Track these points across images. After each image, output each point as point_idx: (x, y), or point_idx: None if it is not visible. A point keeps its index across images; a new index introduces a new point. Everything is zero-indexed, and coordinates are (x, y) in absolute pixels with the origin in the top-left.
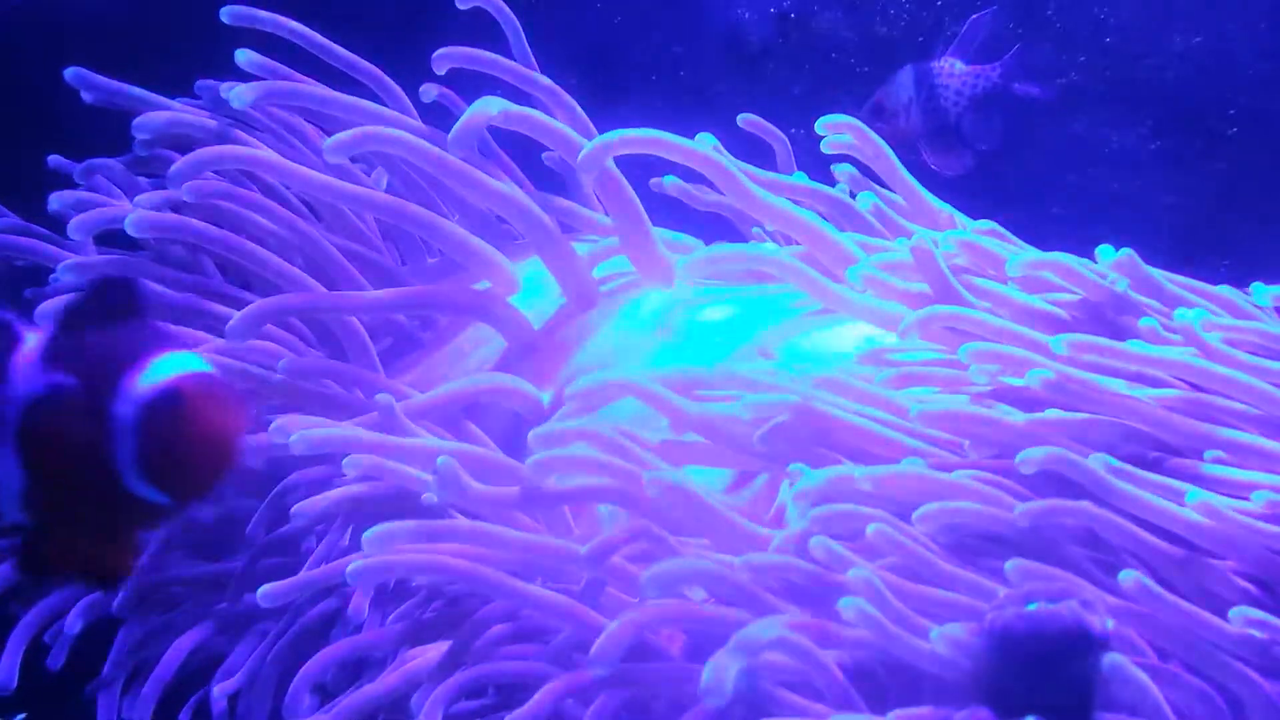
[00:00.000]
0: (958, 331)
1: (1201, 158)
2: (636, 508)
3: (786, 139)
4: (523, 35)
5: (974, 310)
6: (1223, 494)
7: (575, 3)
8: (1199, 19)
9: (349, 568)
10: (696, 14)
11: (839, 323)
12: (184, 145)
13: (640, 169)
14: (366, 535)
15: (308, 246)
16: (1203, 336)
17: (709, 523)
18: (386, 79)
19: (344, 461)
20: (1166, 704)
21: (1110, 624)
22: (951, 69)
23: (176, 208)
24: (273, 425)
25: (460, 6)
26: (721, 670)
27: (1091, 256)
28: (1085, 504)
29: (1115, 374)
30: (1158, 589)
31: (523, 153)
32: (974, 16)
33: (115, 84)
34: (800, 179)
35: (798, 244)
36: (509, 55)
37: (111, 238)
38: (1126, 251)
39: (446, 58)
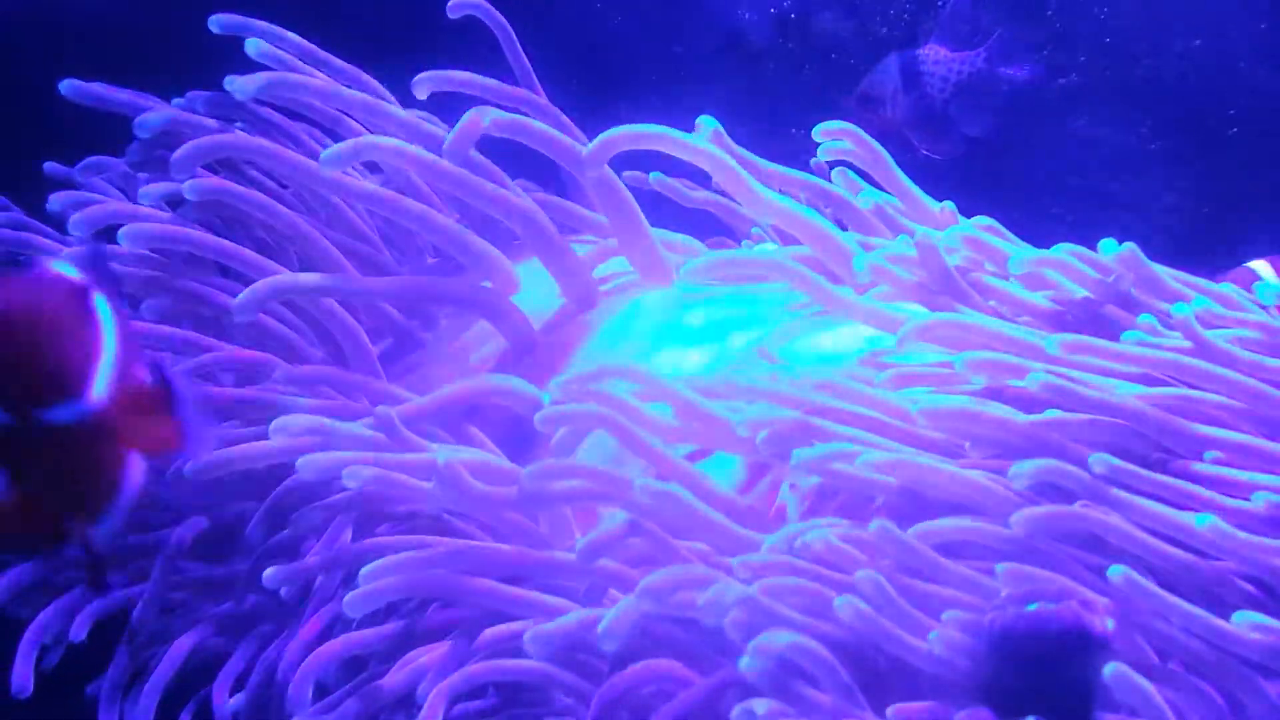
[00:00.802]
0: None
1: (1201, 158)
2: (633, 511)
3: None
4: (516, 42)
5: (972, 314)
6: (1222, 494)
7: (575, 3)
8: (1199, 19)
9: (345, 600)
10: (696, 14)
11: (840, 324)
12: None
13: (640, 169)
14: (363, 571)
15: (306, 244)
16: (1201, 333)
17: (704, 527)
18: (382, 89)
19: (344, 473)
20: (1166, 704)
21: (1110, 624)
22: (936, 54)
23: (176, 204)
24: (273, 425)
25: (451, 16)
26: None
27: None
28: (1083, 506)
29: (1114, 374)
30: (1153, 587)
31: (523, 153)
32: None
33: (112, 92)
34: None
35: (799, 243)
36: (503, 61)
37: (112, 236)
38: (1129, 245)
39: (428, 81)
